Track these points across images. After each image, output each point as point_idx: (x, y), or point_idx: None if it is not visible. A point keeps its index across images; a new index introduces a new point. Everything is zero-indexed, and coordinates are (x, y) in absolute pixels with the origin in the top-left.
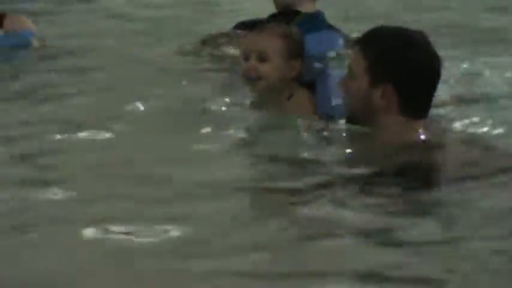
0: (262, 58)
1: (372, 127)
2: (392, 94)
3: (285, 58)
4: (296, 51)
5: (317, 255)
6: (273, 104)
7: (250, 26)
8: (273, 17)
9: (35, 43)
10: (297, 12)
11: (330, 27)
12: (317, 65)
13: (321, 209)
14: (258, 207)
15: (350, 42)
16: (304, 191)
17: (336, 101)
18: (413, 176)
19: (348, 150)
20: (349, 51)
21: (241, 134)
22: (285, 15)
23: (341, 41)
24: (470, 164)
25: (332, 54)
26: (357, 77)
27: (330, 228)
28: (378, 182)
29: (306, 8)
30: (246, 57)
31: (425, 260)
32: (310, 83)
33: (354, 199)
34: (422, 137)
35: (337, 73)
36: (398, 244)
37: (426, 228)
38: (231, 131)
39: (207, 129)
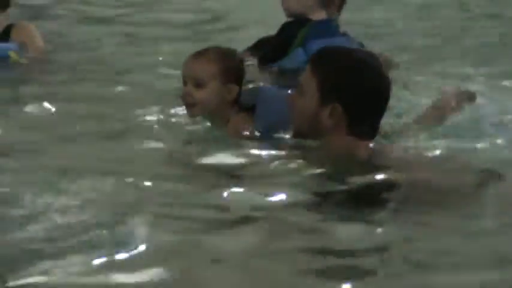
0: (198, 84)
1: (318, 144)
2: (341, 114)
3: (221, 82)
4: (233, 75)
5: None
6: (213, 124)
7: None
8: (285, 26)
9: (13, 57)
10: (308, 21)
11: (344, 34)
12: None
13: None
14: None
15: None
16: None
17: (274, 118)
18: (351, 194)
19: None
20: None
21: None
22: (296, 23)
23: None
24: (416, 185)
25: None
26: (306, 95)
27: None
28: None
29: (317, 16)
30: (184, 83)
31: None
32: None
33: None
34: (367, 156)
35: (276, 92)
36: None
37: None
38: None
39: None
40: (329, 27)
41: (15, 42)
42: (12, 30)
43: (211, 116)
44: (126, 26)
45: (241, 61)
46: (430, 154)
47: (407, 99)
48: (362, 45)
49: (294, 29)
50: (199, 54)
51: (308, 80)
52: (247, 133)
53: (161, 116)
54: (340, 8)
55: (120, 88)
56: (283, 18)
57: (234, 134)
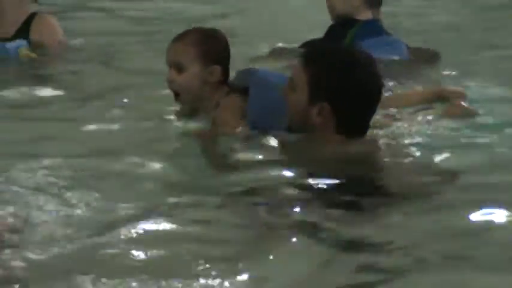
0: (179, 69)
1: (308, 140)
2: (329, 113)
3: (202, 64)
4: (215, 56)
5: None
6: (202, 113)
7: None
8: (333, 27)
9: (23, 52)
10: (355, 21)
11: (389, 34)
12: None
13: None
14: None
15: (410, 49)
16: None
17: (267, 103)
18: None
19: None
20: (412, 57)
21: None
22: (343, 24)
23: (404, 46)
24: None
25: (396, 58)
26: (296, 90)
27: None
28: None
29: (363, 16)
30: (169, 68)
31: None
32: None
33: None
34: (355, 154)
35: (271, 78)
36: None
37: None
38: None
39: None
40: (376, 27)
41: (35, 34)
42: (32, 22)
43: (200, 101)
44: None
45: (226, 41)
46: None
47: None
48: (406, 45)
49: (342, 29)
50: (178, 38)
51: (299, 76)
52: (237, 121)
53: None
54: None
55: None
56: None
57: (222, 118)
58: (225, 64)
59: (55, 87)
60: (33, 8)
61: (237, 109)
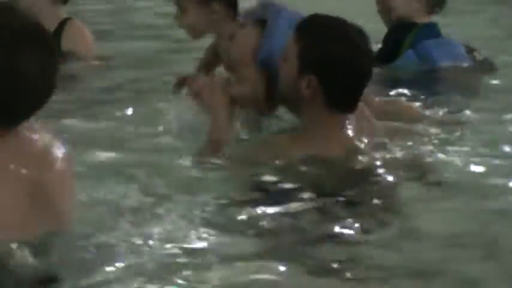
0: (181, 10)
1: (298, 115)
2: (316, 86)
3: (198, 4)
4: None
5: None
6: (219, 48)
7: None
8: (393, 30)
9: None
10: (414, 25)
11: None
12: None
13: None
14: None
15: (468, 48)
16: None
17: (281, 42)
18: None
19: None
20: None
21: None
22: (403, 27)
23: (462, 49)
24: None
25: (455, 61)
26: (288, 61)
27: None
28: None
29: (422, 20)
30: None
31: None
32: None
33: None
34: (344, 131)
35: (291, 14)
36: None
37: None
38: None
39: None
40: (435, 30)
41: (67, 44)
42: (63, 31)
43: (216, 38)
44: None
45: None
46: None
47: None
48: (467, 46)
49: (402, 32)
50: None
51: (290, 47)
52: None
53: None
54: None
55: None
56: None
57: (236, 51)
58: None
59: None
60: (63, 11)
61: (252, 41)
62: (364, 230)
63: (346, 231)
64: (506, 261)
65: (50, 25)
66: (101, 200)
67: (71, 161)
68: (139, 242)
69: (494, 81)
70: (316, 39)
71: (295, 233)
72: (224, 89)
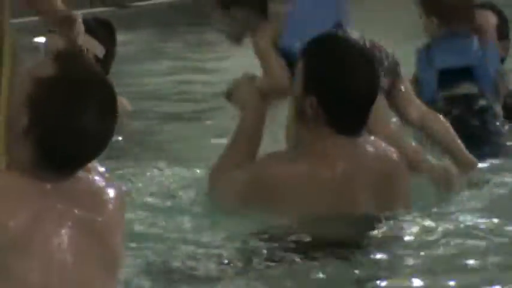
0: None
1: (300, 134)
2: (317, 107)
3: None
4: None
5: None
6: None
7: None
8: None
9: None
10: None
11: None
12: None
13: None
14: None
15: None
16: None
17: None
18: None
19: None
20: None
21: None
22: None
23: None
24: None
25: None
26: (297, 77)
27: None
28: None
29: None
30: None
31: None
32: None
33: None
34: (345, 152)
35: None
36: None
37: None
38: None
39: None
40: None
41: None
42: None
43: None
44: None
45: None
46: None
47: None
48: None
49: None
50: None
51: (299, 64)
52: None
53: None
54: None
55: None
56: None
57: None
58: None
59: None
60: None
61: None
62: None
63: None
64: None
65: None
66: None
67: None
68: None
69: None
70: (319, 61)
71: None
72: (251, 85)
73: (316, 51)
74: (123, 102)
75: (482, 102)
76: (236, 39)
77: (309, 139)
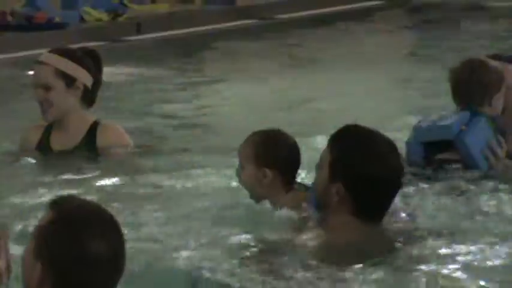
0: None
1: (325, 221)
2: (344, 194)
3: (256, 166)
4: (268, 156)
5: None
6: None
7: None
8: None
9: None
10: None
11: None
12: None
13: None
14: None
15: None
16: None
17: None
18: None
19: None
20: None
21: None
22: None
23: None
24: None
25: None
26: (322, 168)
27: None
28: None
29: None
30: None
31: None
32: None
33: None
34: (367, 239)
35: None
36: None
37: None
38: None
39: None
40: None
41: (101, 143)
42: (97, 130)
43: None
44: None
45: (289, 146)
46: None
47: None
48: None
49: None
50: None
51: (324, 155)
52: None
53: None
54: None
55: None
56: None
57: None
58: (283, 168)
59: None
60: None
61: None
62: None
63: None
64: None
65: (80, 130)
66: None
67: None
68: None
69: None
70: (346, 150)
71: None
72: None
73: (341, 141)
74: (126, 139)
75: None
76: None
77: (333, 227)
